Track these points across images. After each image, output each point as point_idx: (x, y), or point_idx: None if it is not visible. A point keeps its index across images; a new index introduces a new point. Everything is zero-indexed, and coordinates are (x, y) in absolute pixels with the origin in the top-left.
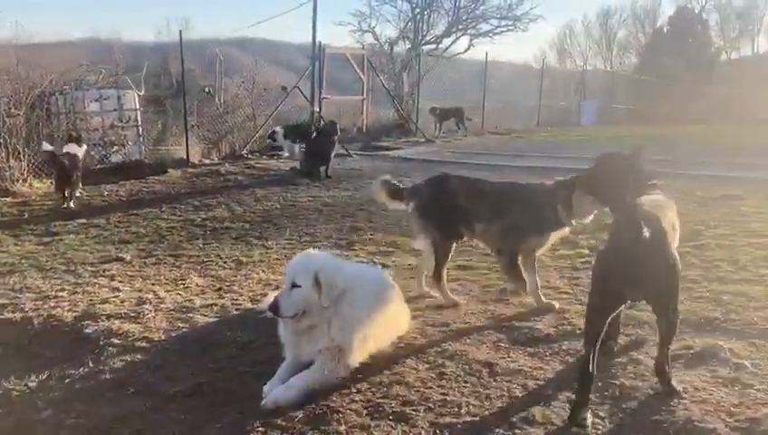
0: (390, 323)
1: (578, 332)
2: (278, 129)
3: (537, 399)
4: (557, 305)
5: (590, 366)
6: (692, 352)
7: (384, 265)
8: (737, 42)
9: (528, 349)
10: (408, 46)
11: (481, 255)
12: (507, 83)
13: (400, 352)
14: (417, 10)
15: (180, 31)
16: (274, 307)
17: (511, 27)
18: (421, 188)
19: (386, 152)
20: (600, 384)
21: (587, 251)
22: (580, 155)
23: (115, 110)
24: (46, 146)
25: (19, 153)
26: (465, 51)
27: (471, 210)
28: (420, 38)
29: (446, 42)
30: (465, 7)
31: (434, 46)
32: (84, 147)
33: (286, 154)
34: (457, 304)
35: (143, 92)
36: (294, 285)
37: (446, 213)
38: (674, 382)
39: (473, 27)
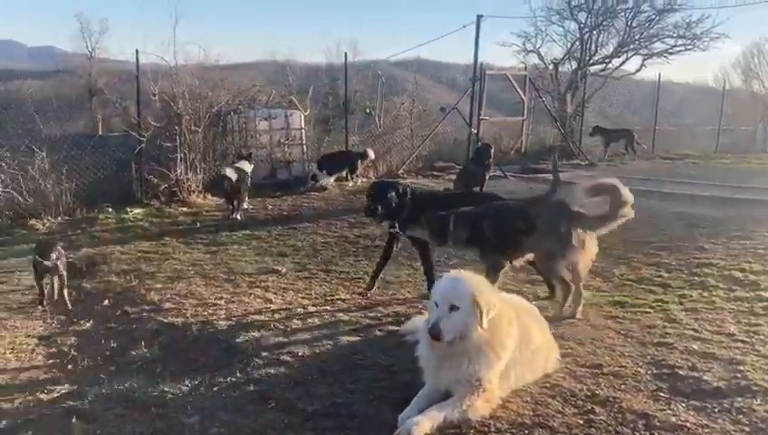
0: (537, 359)
1: (754, 388)
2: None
3: None
4: None
5: None
6: None
7: (538, 297)
8: None
9: (692, 402)
10: (574, 66)
11: (642, 290)
12: (680, 106)
13: (545, 393)
14: (586, 30)
15: (345, 53)
16: (436, 331)
17: (689, 47)
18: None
19: (543, 175)
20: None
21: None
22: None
23: (282, 128)
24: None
25: (196, 167)
26: (637, 71)
27: None
28: (588, 58)
29: (616, 62)
30: (638, 26)
31: (602, 66)
32: (252, 165)
33: (320, 183)
34: None
35: (308, 112)
36: (453, 307)
37: None
38: None
39: (646, 47)
